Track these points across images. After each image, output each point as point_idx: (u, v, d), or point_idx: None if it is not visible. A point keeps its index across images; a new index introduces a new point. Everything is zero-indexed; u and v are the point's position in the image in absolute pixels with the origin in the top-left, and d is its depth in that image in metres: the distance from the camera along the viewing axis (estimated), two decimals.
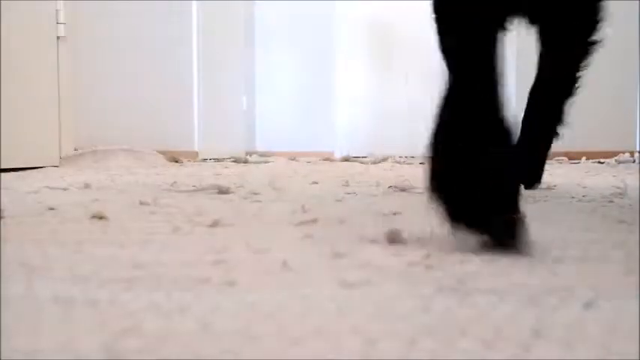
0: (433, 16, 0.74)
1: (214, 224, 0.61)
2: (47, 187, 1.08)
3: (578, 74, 1.29)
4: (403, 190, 1.07)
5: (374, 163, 2.59)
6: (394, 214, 0.73)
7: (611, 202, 0.89)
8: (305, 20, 4.42)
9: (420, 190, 1.07)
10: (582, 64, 1.27)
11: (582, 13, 1.22)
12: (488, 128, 0.59)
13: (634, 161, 2.49)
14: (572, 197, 0.97)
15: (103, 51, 2.16)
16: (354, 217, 0.69)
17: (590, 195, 1.00)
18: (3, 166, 1.50)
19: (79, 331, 0.29)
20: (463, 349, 0.27)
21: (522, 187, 0.77)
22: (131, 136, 2.26)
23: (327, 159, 3.18)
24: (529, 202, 0.89)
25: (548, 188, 1.15)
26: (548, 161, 2.33)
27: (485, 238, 0.49)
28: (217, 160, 3.01)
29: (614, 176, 1.56)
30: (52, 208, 0.75)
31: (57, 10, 1.78)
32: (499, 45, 0.64)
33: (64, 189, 1.04)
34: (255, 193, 0.99)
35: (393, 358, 0.26)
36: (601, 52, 3.14)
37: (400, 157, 3.10)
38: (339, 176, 1.52)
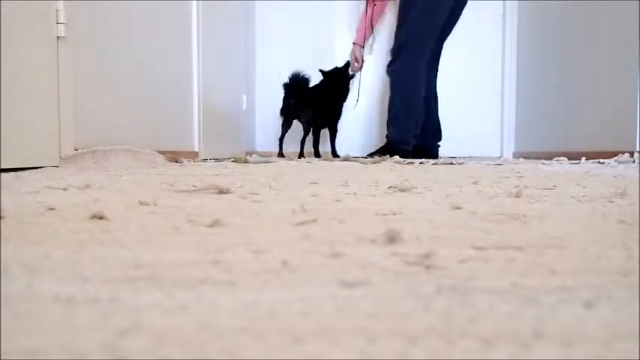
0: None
1: (214, 224, 0.61)
2: (47, 187, 1.08)
3: None
4: (403, 190, 1.07)
5: (374, 163, 2.60)
6: (394, 214, 0.73)
7: (611, 202, 0.89)
8: (305, 20, 4.42)
9: (420, 190, 1.08)
10: None
11: None
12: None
13: (634, 161, 2.49)
14: (572, 197, 0.97)
15: (103, 51, 2.15)
16: (354, 217, 0.69)
17: (590, 195, 1.00)
18: (3, 166, 1.50)
19: (79, 331, 0.29)
20: (463, 349, 0.27)
21: None
22: (131, 136, 2.26)
23: (326, 159, 3.18)
24: (529, 201, 0.89)
25: (549, 188, 1.14)
26: (547, 162, 2.59)
27: None
28: (217, 160, 3.01)
29: (614, 176, 1.56)
30: (52, 208, 0.75)
31: (57, 10, 1.79)
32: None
33: (64, 189, 1.04)
34: (255, 193, 0.99)
35: (393, 358, 0.26)
36: (601, 53, 3.21)
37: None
38: (339, 176, 1.53)
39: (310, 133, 3.85)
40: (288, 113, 3.87)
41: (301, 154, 3.85)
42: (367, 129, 4.47)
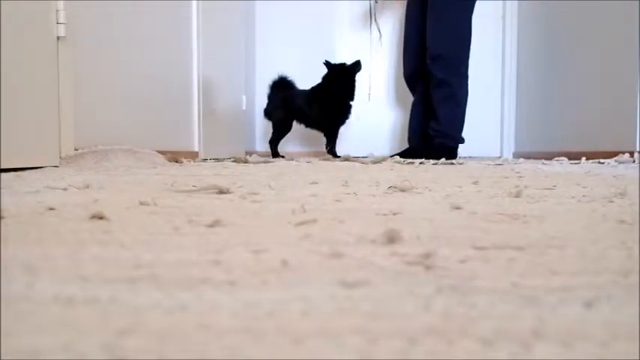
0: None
1: (214, 224, 0.61)
2: (47, 187, 1.08)
3: None
4: (403, 190, 1.07)
5: (374, 163, 2.60)
6: (394, 214, 0.73)
7: (611, 202, 0.89)
8: (305, 20, 4.42)
9: (420, 190, 1.08)
10: None
11: None
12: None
13: (634, 161, 2.49)
14: (572, 197, 0.97)
15: (103, 51, 2.15)
16: (354, 217, 0.69)
17: (590, 195, 1.00)
18: (3, 166, 1.50)
19: (79, 331, 0.29)
20: (463, 349, 0.27)
21: None
22: (131, 136, 2.26)
23: (326, 159, 3.18)
24: (529, 201, 0.89)
25: (549, 188, 1.14)
26: (547, 162, 2.62)
27: None
28: (217, 160, 3.01)
29: (614, 176, 1.56)
30: (52, 208, 0.75)
31: (57, 10, 1.79)
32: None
33: (64, 189, 1.04)
34: (255, 193, 0.99)
35: (393, 358, 0.26)
36: (601, 53, 3.21)
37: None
38: (339, 176, 1.53)
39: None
40: (267, 114, 3.84)
41: (274, 154, 3.79)
42: (374, 130, 4.48)
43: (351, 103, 3.68)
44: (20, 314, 0.31)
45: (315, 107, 3.67)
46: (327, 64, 3.68)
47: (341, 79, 3.65)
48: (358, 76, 3.69)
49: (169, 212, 0.73)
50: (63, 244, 0.51)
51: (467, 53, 3.46)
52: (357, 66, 3.67)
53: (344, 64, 3.70)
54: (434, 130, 3.50)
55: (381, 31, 4.18)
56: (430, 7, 3.42)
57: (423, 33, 3.49)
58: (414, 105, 3.70)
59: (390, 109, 4.52)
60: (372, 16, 4.16)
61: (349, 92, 3.67)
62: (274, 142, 3.84)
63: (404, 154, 3.42)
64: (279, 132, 3.81)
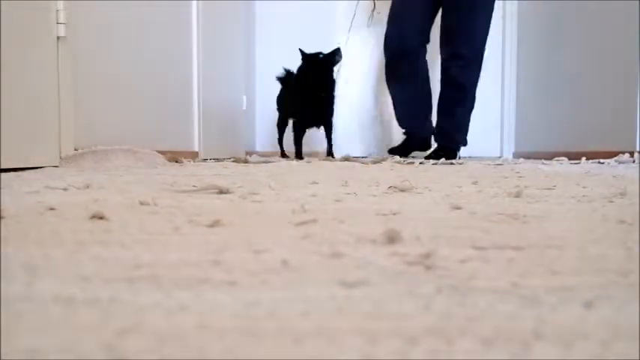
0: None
1: (214, 224, 0.61)
2: (47, 187, 1.08)
3: None
4: (403, 190, 1.07)
5: (374, 163, 2.60)
6: (394, 214, 0.73)
7: (611, 202, 0.89)
8: (305, 20, 4.42)
9: (420, 190, 1.08)
10: None
11: None
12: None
13: (634, 161, 2.49)
14: (572, 197, 0.97)
15: (103, 51, 2.15)
16: (354, 217, 0.69)
17: (590, 195, 1.00)
18: (3, 166, 1.50)
19: (79, 331, 0.29)
20: (463, 349, 0.27)
21: None
22: (131, 136, 2.26)
23: (326, 159, 3.18)
24: (529, 201, 0.89)
25: (549, 188, 1.14)
26: (547, 162, 2.64)
27: None
28: (217, 160, 3.01)
29: (614, 176, 1.56)
30: (52, 208, 0.75)
31: (57, 10, 1.78)
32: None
33: (64, 189, 1.04)
34: (255, 193, 0.99)
35: (393, 358, 0.26)
36: (601, 53, 3.22)
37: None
38: (339, 176, 1.52)
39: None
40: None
41: (282, 154, 3.77)
42: (365, 129, 4.47)
43: (334, 94, 3.32)
44: (20, 314, 0.31)
45: (293, 102, 3.37)
46: (302, 52, 3.30)
47: (316, 70, 3.22)
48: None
49: (169, 212, 0.73)
50: (63, 244, 0.51)
51: (483, 52, 3.45)
52: (335, 55, 3.23)
53: (320, 53, 3.30)
54: (440, 133, 3.48)
55: (376, 3, 4.14)
56: (455, 6, 3.37)
57: (411, 31, 3.46)
58: (405, 91, 3.56)
59: (388, 107, 4.51)
60: None
61: (327, 84, 3.24)
62: (279, 141, 3.85)
63: (403, 152, 3.42)
64: (280, 130, 3.83)
